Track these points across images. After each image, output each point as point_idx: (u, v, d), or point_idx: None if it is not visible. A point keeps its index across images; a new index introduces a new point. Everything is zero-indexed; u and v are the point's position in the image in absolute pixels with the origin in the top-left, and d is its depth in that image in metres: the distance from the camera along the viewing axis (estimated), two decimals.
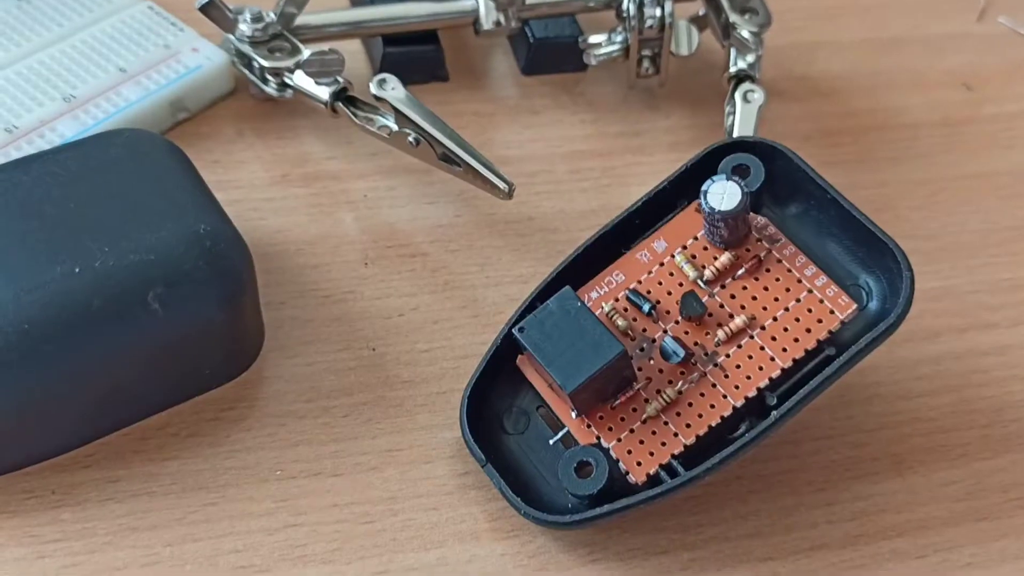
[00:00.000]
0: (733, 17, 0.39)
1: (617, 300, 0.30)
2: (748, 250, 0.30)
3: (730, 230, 0.29)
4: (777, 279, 0.30)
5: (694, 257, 0.30)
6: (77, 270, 0.27)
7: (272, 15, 0.37)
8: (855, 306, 0.29)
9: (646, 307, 0.30)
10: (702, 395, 0.29)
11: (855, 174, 0.40)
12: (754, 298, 0.29)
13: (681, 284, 0.30)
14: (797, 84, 0.44)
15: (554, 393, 0.30)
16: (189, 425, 0.30)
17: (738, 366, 0.29)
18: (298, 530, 0.29)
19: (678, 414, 0.29)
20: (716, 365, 0.29)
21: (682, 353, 0.29)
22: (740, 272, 0.30)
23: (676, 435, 0.28)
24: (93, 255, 0.27)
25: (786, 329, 0.29)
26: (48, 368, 0.26)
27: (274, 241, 0.35)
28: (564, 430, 0.30)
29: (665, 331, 0.30)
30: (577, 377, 0.27)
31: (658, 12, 0.39)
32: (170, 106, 0.37)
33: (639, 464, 0.28)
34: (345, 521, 0.29)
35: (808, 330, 0.29)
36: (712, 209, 0.29)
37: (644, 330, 0.30)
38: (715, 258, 0.30)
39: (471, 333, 0.33)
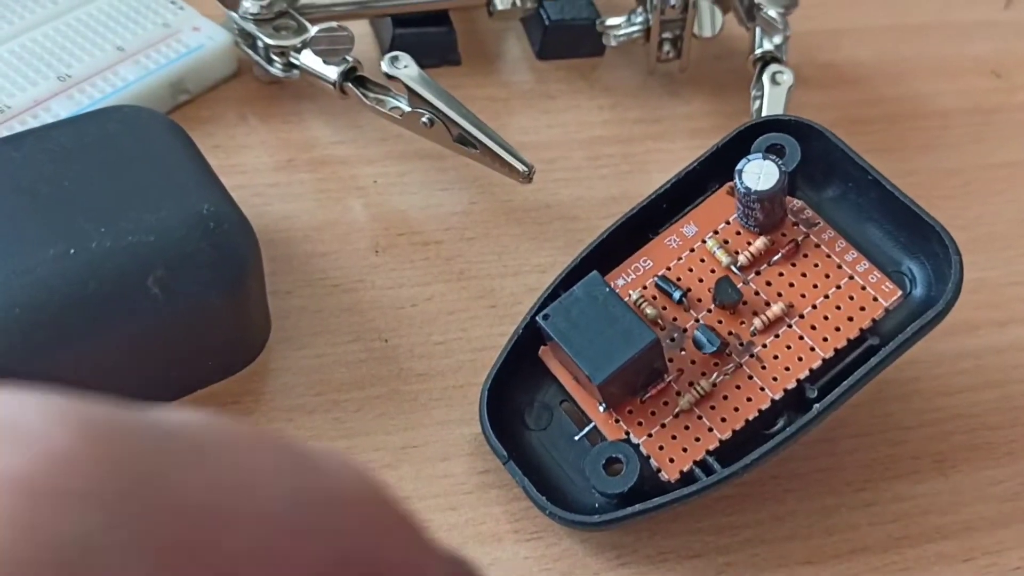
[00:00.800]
0: None
1: (646, 287, 0.28)
2: (784, 235, 0.28)
3: (765, 212, 0.28)
4: (816, 265, 0.28)
5: (727, 242, 0.29)
6: (72, 252, 0.25)
7: None
8: (900, 293, 0.27)
9: (677, 295, 0.28)
10: (738, 387, 0.27)
11: (884, 163, 0.38)
12: (792, 285, 0.28)
13: (713, 271, 0.28)
14: (822, 71, 0.42)
15: (580, 386, 0.28)
16: None
17: (776, 357, 0.27)
18: None
19: (712, 408, 0.27)
20: (752, 356, 0.27)
21: (716, 343, 0.27)
22: (776, 258, 0.28)
23: (711, 430, 0.27)
24: (89, 236, 0.25)
25: (827, 317, 0.27)
26: (40, 356, 0.25)
27: (280, 228, 0.33)
28: (590, 425, 0.28)
29: (697, 320, 0.28)
30: (607, 368, 0.26)
31: None
32: (170, 87, 0.35)
33: (671, 461, 0.27)
34: None
35: (850, 318, 0.27)
36: (747, 189, 0.27)
37: (675, 319, 0.28)
38: (749, 243, 0.28)
39: (488, 324, 0.32)
